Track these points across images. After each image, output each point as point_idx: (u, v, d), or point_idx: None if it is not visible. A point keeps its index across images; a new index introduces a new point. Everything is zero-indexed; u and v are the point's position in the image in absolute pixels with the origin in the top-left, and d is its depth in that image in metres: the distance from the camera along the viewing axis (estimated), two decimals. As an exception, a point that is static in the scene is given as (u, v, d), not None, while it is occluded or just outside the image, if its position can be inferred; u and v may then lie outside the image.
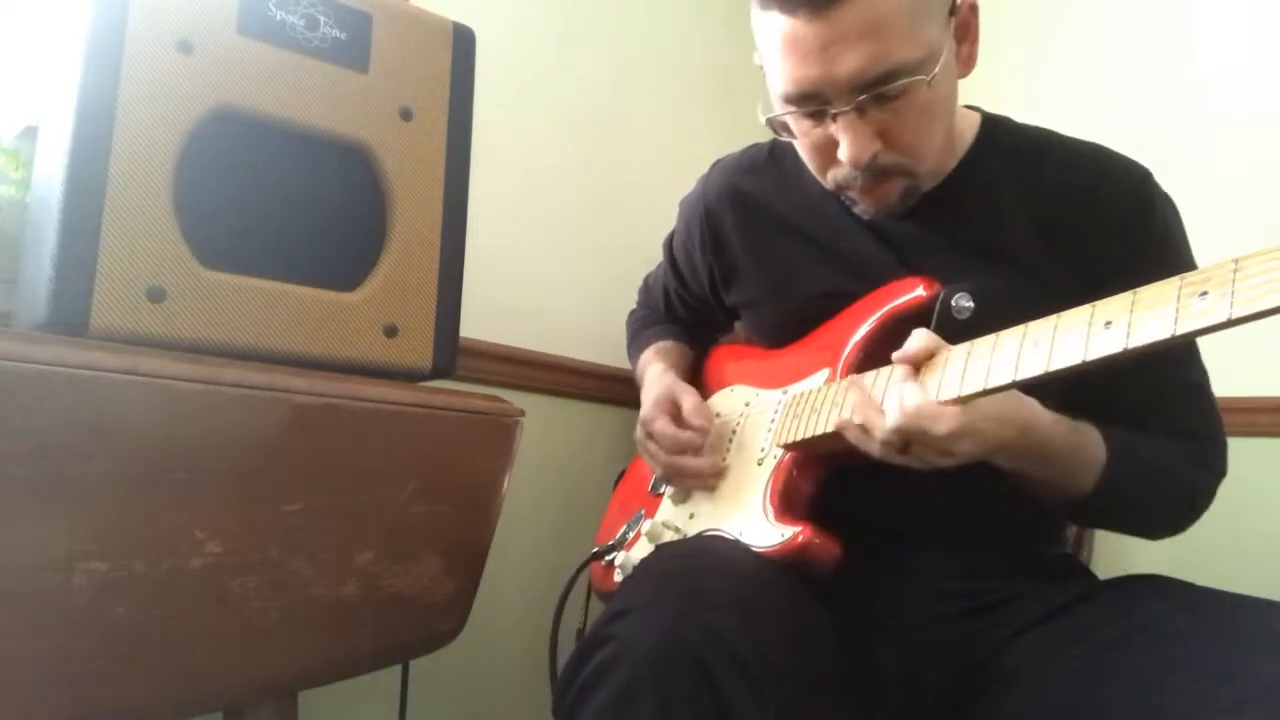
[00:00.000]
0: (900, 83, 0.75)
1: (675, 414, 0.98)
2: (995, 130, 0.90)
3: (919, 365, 0.74)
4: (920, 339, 0.74)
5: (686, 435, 0.95)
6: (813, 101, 0.79)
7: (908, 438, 0.71)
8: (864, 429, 0.75)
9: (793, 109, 0.81)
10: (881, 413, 0.73)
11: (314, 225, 0.87)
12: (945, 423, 0.69)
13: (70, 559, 0.67)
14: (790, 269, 0.96)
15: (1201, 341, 0.81)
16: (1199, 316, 0.56)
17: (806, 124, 0.82)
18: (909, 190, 0.85)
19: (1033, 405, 0.75)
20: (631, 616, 0.68)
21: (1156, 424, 0.83)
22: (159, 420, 0.71)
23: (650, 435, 0.97)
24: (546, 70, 1.49)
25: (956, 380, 0.71)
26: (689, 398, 0.98)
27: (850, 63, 0.74)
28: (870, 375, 0.80)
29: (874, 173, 0.82)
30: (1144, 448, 0.81)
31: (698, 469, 0.93)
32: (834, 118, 0.78)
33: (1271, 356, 1.32)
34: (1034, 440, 0.74)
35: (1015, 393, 0.73)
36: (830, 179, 0.86)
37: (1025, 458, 0.76)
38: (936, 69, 0.76)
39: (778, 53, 0.78)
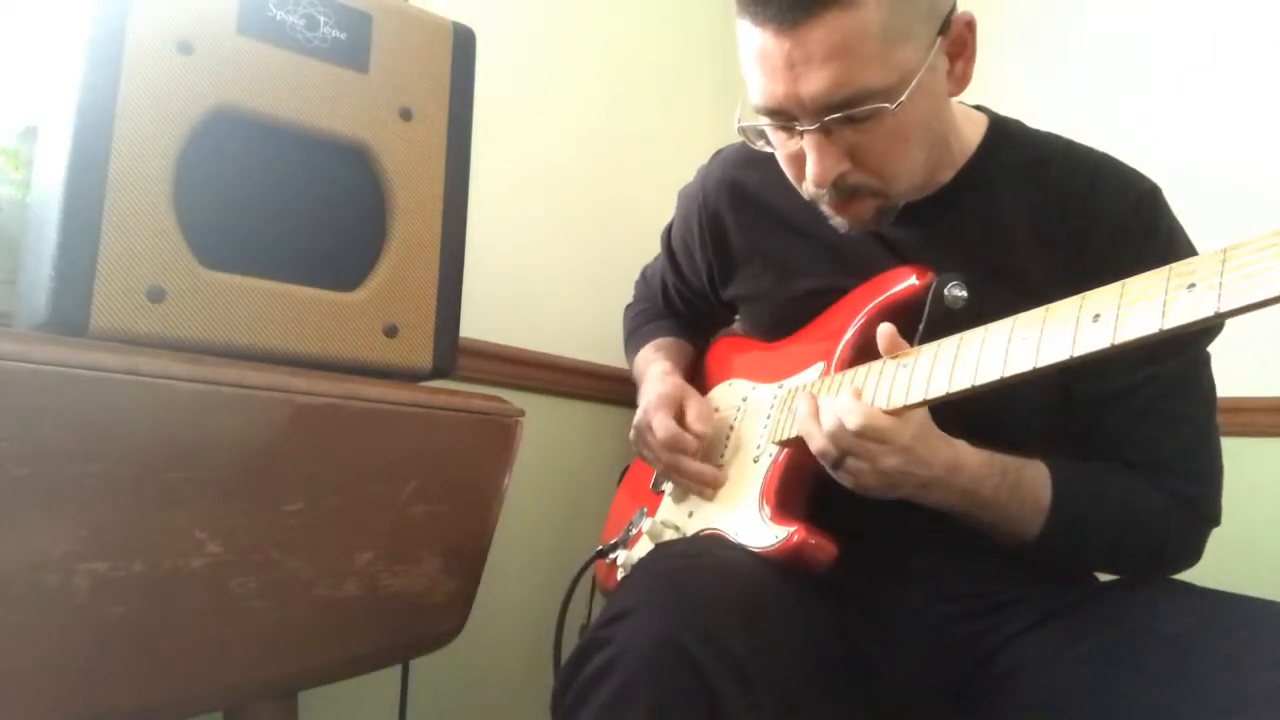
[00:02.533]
0: (866, 108, 0.73)
1: (679, 414, 0.97)
2: (1001, 136, 0.88)
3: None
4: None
5: (686, 436, 0.94)
6: (781, 117, 0.78)
7: (840, 446, 0.73)
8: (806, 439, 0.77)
9: (765, 120, 0.80)
10: (817, 422, 0.75)
11: (314, 225, 0.87)
12: (856, 418, 0.72)
13: (70, 559, 0.67)
14: (788, 264, 0.96)
15: (1201, 341, 0.81)
16: (1187, 310, 0.54)
17: (780, 136, 0.81)
18: (883, 210, 0.82)
19: (959, 447, 0.75)
20: (629, 619, 0.68)
21: (1138, 457, 0.81)
22: (159, 420, 0.71)
23: (649, 427, 0.97)
24: (546, 70, 1.49)
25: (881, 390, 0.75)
26: (695, 404, 0.98)
27: (814, 84, 0.73)
28: (862, 370, 0.79)
29: (842, 192, 0.80)
30: (1104, 489, 0.79)
31: (697, 471, 0.93)
32: (801, 134, 0.77)
33: (1271, 356, 1.32)
34: (959, 483, 0.75)
35: (942, 434, 0.75)
36: (804, 191, 0.84)
37: (951, 500, 0.76)
38: (904, 97, 0.73)
39: (751, 63, 0.77)
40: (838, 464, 0.75)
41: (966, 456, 0.76)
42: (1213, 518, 0.82)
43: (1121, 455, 0.81)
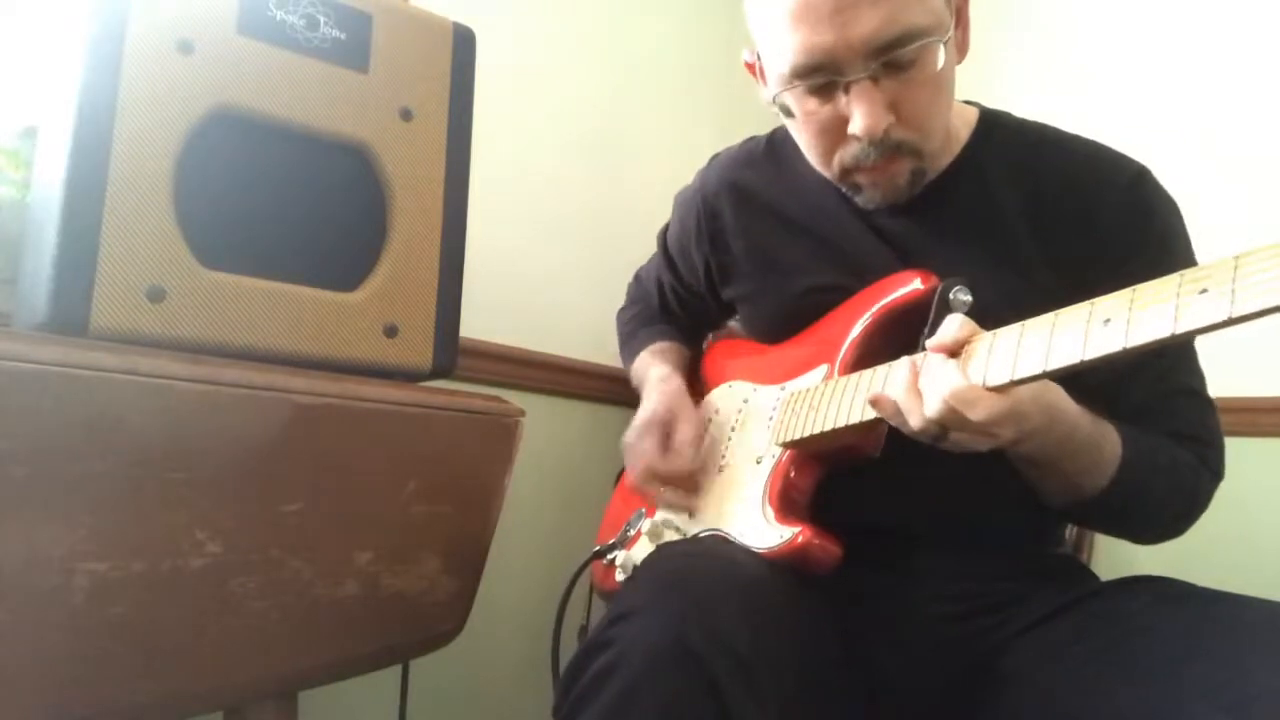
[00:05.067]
0: (915, 45, 0.75)
1: (665, 439, 0.97)
2: (992, 126, 0.90)
3: (955, 352, 0.70)
4: (955, 325, 0.71)
5: (659, 468, 0.95)
6: (824, 72, 0.77)
7: (946, 424, 0.68)
8: (901, 413, 0.70)
9: (798, 84, 0.79)
10: (920, 398, 0.69)
11: (314, 225, 0.87)
12: (982, 408, 0.65)
13: (70, 559, 0.66)
14: (787, 262, 0.96)
15: (1200, 341, 0.81)
16: (1199, 315, 0.54)
17: (812, 102, 0.81)
18: (916, 174, 0.84)
19: (1060, 392, 0.72)
20: (632, 619, 0.67)
21: (1160, 427, 0.82)
22: (159, 420, 0.71)
23: (632, 450, 0.98)
24: (546, 70, 1.49)
25: (992, 366, 0.67)
26: (685, 425, 0.97)
27: (865, 25, 0.74)
28: (883, 369, 0.79)
29: (886, 149, 0.80)
30: (1158, 450, 0.80)
31: (669, 502, 0.96)
32: (846, 89, 0.78)
33: (1271, 356, 1.32)
34: (1059, 429, 0.72)
35: (1053, 385, 0.71)
36: (837, 162, 0.84)
37: (1048, 447, 0.73)
38: (951, 32, 0.77)
39: (786, 26, 0.77)
40: (938, 439, 0.70)
41: (1066, 404, 0.72)
42: (1221, 475, 0.85)
43: (1143, 425, 0.81)
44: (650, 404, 1.01)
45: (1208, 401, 0.85)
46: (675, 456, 0.95)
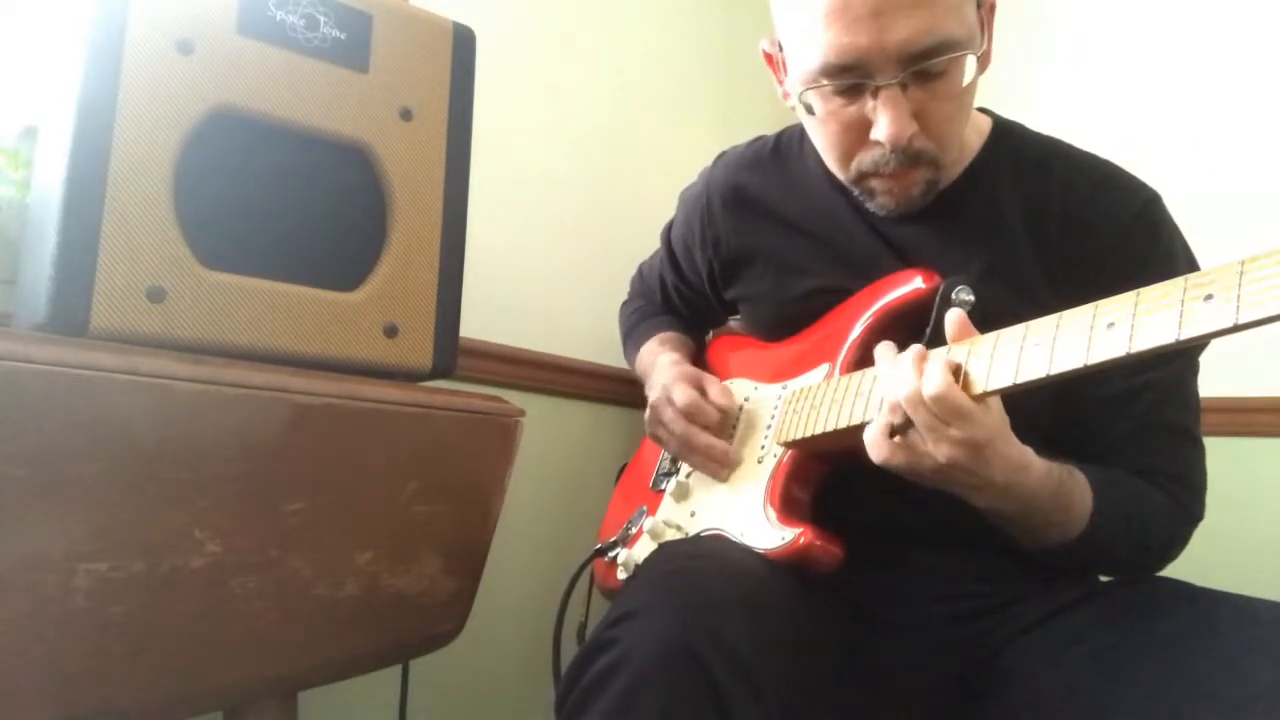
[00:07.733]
0: (948, 57, 0.75)
1: (699, 390, 0.96)
2: (1005, 137, 0.89)
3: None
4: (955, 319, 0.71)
5: (706, 406, 0.93)
6: (853, 74, 0.77)
7: (912, 416, 0.68)
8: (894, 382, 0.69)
9: (825, 83, 0.79)
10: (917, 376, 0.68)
11: (314, 225, 0.87)
12: (934, 386, 0.66)
13: (70, 559, 0.66)
14: (791, 264, 0.96)
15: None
16: (1204, 321, 0.54)
17: (838, 102, 0.80)
18: (930, 184, 0.83)
19: (1028, 454, 0.72)
20: (635, 620, 0.67)
21: (1145, 463, 0.82)
22: (159, 420, 0.71)
23: (669, 401, 0.95)
24: (546, 70, 1.49)
25: (995, 370, 0.67)
26: (715, 383, 0.98)
27: (903, 31, 0.73)
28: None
29: (906, 158, 0.80)
30: (1132, 497, 0.79)
31: (710, 445, 0.92)
32: (874, 93, 0.77)
33: (1271, 356, 1.32)
34: (1022, 490, 0.72)
35: (1014, 437, 0.71)
36: (855, 165, 0.84)
37: (1006, 503, 0.73)
38: (984, 45, 0.77)
39: (819, 22, 0.76)
40: (900, 431, 0.70)
41: (1032, 465, 0.72)
42: (1201, 517, 0.84)
43: (1123, 460, 0.81)
44: (669, 374, 1.00)
45: (1196, 442, 0.84)
46: (717, 400, 0.94)
